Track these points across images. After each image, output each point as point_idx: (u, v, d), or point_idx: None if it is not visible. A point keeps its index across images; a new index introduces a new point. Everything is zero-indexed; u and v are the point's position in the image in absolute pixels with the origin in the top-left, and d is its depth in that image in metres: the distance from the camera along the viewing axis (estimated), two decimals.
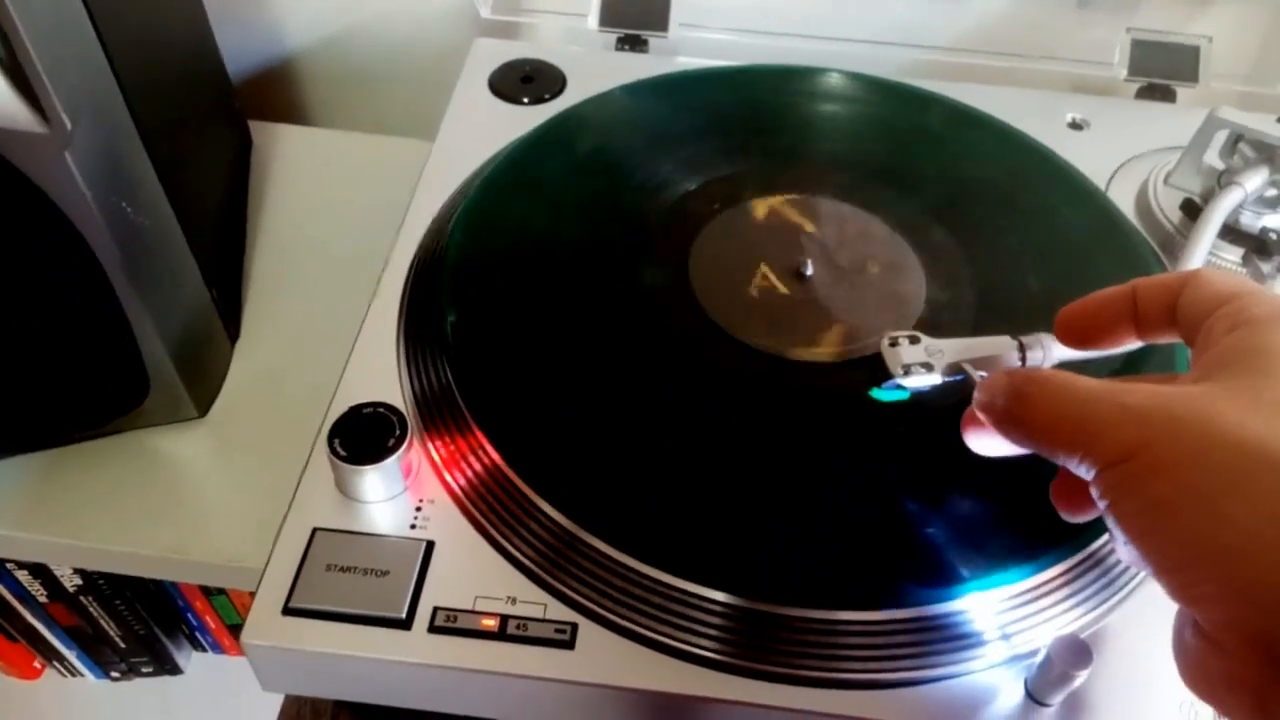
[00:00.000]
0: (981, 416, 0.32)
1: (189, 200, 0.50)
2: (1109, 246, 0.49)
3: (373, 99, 0.74)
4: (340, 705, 0.47)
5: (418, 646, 0.35)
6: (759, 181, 0.51)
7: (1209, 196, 0.50)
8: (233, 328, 0.57)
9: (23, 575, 0.71)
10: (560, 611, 0.36)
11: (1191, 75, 0.61)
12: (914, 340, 0.39)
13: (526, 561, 0.37)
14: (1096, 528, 0.38)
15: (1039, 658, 0.34)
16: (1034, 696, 0.35)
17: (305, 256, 0.61)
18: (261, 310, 0.59)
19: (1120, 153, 0.56)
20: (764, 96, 0.57)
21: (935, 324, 0.45)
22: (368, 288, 0.46)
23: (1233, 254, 0.50)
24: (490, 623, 0.36)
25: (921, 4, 0.66)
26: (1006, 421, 0.31)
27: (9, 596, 0.73)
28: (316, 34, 0.72)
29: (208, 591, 0.76)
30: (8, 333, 0.44)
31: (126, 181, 0.43)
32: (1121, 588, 0.38)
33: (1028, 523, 0.38)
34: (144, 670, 0.84)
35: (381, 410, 0.39)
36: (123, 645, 0.80)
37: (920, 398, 0.39)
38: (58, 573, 0.70)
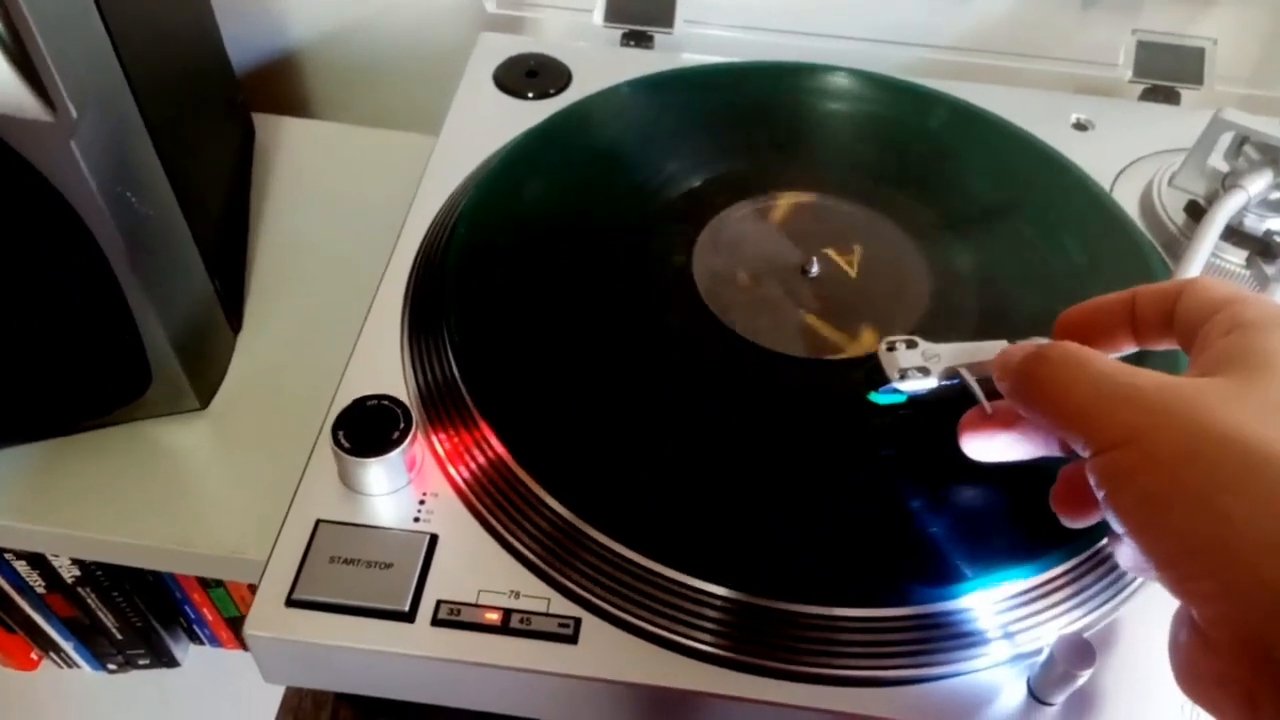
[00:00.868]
0: (996, 379, 0.32)
1: (193, 191, 0.50)
2: (1113, 247, 0.49)
3: (377, 92, 0.74)
4: (341, 698, 0.47)
5: (421, 639, 0.35)
6: (764, 179, 0.51)
7: (1213, 199, 0.50)
8: (235, 319, 0.57)
9: (20, 565, 0.71)
10: (563, 606, 0.36)
11: (1196, 77, 0.61)
12: (911, 344, 0.39)
13: (530, 555, 0.37)
14: (1100, 526, 0.38)
15: (1042, 656, 0.34)
16: (1037, 695, 0.35)
17: (308, 249, 0.61)
18: (264, 302, 0.59)
19: (1125, 154, 0.56)
20: (770, 94, 0.57)
21: (938, 324, 0.45)
22: (370, 281, 0.46)
23: (1236, 256, 0.50)
24: (493, 616, 0.36)
25: (926, 3, 0.66)
26: (1019, 385, 0.31)
27: (6, 587, 0.73)
28: (321, 27, 0.72)
29: (205, 584, 0.76)
30: (10, 322, 0.44)
31: (131, 171, 0.43)
32: (1125, 586, 0.38)
33: (1031, 521, 0.38)
34: (141, 663, 0.84)
35: (386, 403, 0.39)
36: (120, 637, 0.80)
37: (921, 398, 0.40)
38: (55, 563, 0.70)
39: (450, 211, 0.49)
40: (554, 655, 0.35)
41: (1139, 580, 0.38)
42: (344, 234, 0.62)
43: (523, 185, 0.50)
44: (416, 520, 0.38)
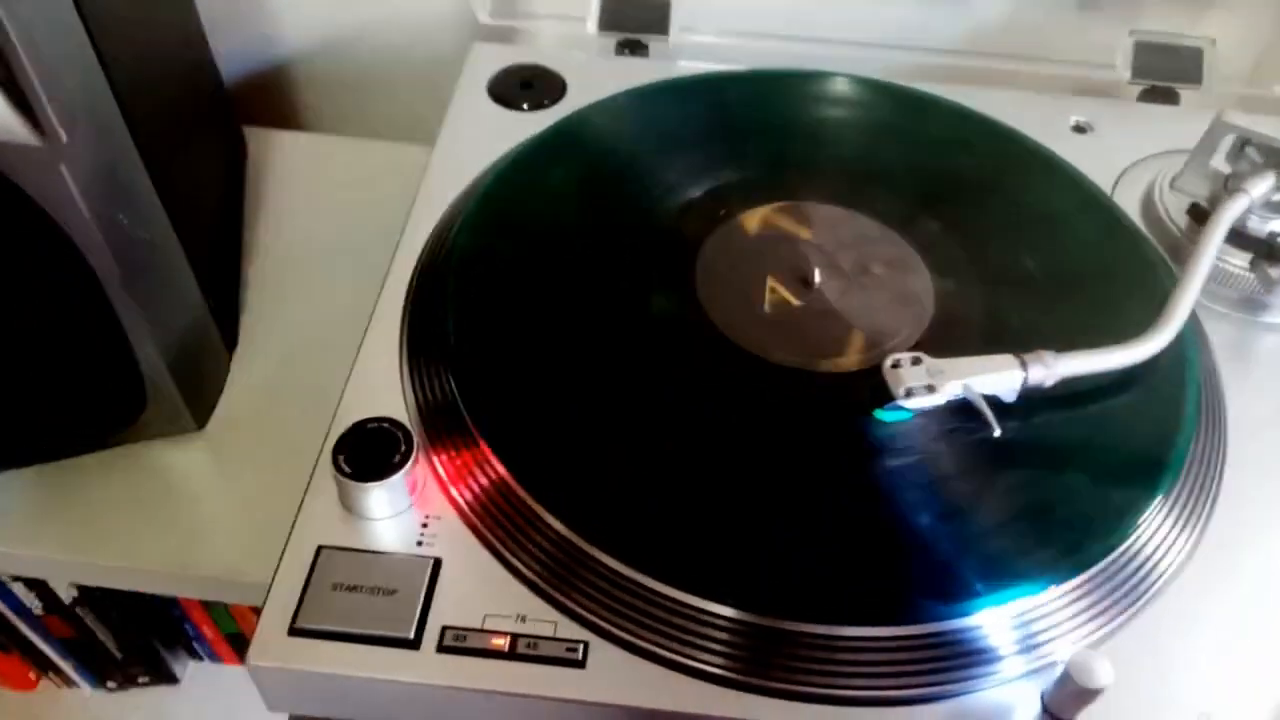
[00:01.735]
0: None
1: (185, 211, 0.49)
2: (1116, 251, 0.49)
3: (370, 105, 0.74)
4: None
5: (427, 667, 0.35)
6: (764, 187, 0.50)
7: (1216, 201, 0.49)
8: (230, 337, 0.56)
9: (18, 588, 0.70)
10: (570, 629, 0.36)
11: (1195, 77, 0.61)
12: (916, 361, 0.39)
13: (535, 578, 0.37)
14: (1111, 540, 0.38)
15: (1056, 673, 0.33)
16: (1051, 712, 0.34)
17: (303, 264, 0.61)
18: (259, 319, 0.58)
19: (1125, 156, 0.55)
20: (768, 101, 0.56)
21: (942, 333, 0.44)
22: (366, 296, 0.46)
23: (1240, 259, 0.49)
24: (500, 642, 0.35)
25: (922, 7, 0.66)
26: None
27: (4, 610, 0.73)
28: (312, 39, 0.71)
29: (205, 602, 0.75)
30: (4, 347, 0.44)
31: (123, 193, 0.43)
32: (1140, 598, 0.37)
33: (1043, 535, 0.38)
34: (140, 680, 0.83)
35: (386, 425, 0.39)
36: (119, 656, 0.79)
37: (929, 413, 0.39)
38: (54, 585, 0.69)
39: (446, 227, 0.48)
40: (563, 680, 0.35)
41: (1153, 592, 0.38)
42: (339, 248, 0.61)
43: (520, 199, 0.49)
44: (420, 544, 0.38)
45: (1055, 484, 0.40)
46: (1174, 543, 0.39)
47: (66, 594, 0.70)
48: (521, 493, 0.38)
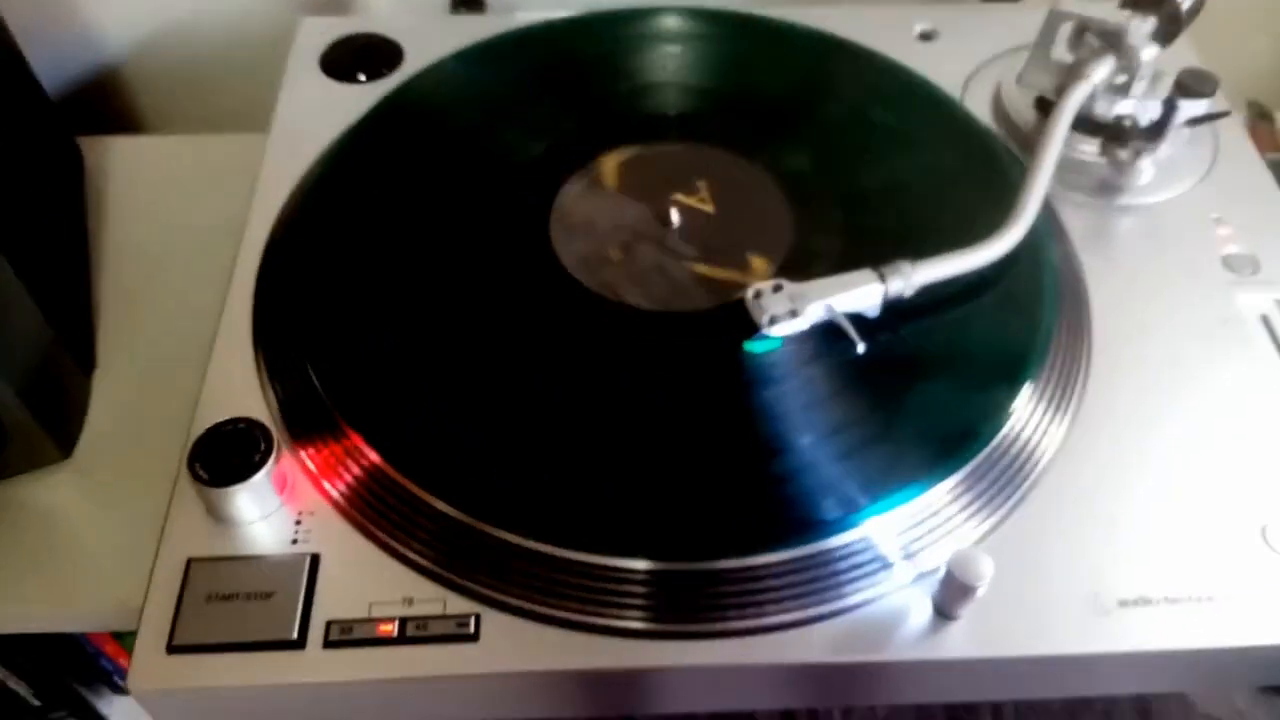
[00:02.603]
0: None
1: (18, 237, 0.46)
2: (969, 155, 0.49)
3: (208, 98, 0.70)
4: None
5: (314, 665, 0.34)
6: (610, 132, 0.49)
7: (1062, 92, 0.50)
8: (87, 360, 0.53)
9: None
10: (460, 604, 0.35)
11: None
12: (777, 288, 0.39)
13: (418, 559, 0.36)
14: (984, 433, 0.38)
15: (940, 574, 0.34)
16: (942, 611, 0.35)
17: (155, 272, 0.58)
18: (117, 335, 0.55)
19: (971, 59, 0.56)
20: (607, 44, 0.55)
21: (804, 257, 0.44)
22: (223, 296, 0.44)
23: (1090, 145, 0.50)
24: (388, 628, 0.34)
25: None
26: None
27: None
28: (133, 37, 0.67)
29: (116, 633, 0.73)
30: None
31: None
32: (1020, 486, 0.38)
33: (920, 440, 0.38)
34: None
35: (243, 426, 0.37)
36: (37, 703, 0.76)
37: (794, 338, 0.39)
38: None
39: (289, 214, 0.46)
40: (456, 656, 0.34)
41: (1027, 485, 0.38)
42: (190, 251, 0.58)
43: (360, 176, 0.47)
44: (295, 542, 0.37)
45: (928, 391, 0.40)
46: (1048, 429, 0.40)
47: None
48: (395, 474, 0.37)
